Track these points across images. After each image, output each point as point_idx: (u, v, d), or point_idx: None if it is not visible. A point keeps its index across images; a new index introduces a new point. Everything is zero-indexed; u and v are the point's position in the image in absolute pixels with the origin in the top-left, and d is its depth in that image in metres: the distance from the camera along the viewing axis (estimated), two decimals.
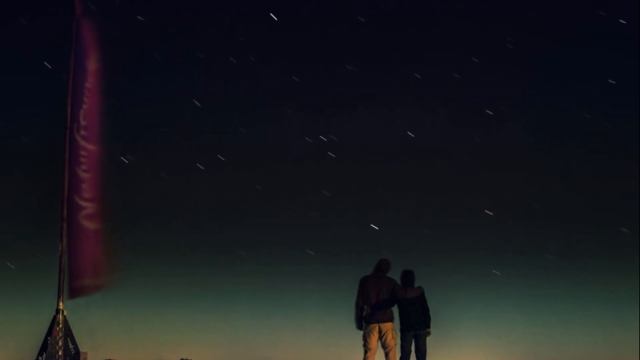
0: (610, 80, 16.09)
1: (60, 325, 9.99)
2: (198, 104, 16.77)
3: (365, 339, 11.04)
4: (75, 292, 10.19)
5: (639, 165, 15.58)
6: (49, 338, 9.94)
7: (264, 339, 16.14)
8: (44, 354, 9.93)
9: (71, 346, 10.12)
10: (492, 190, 16.72)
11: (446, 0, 16.88)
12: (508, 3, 16.47)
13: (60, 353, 9.96)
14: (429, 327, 11.04)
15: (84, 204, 10.27)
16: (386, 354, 11.06)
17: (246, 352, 15.87)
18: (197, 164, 16.88)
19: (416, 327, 10.99)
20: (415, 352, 11.07)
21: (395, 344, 11.03)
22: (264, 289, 16.68)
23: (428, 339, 11.05)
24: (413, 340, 11.04)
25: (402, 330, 11.06)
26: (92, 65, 10.68)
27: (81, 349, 10.34)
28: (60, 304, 10.06)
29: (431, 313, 11.07)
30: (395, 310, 11.11)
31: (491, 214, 16.51)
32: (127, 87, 15.68)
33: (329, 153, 16.85)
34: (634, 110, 15.80)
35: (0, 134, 16.59)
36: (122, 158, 15.59)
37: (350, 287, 11.27)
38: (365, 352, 11.06)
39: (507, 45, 16.35)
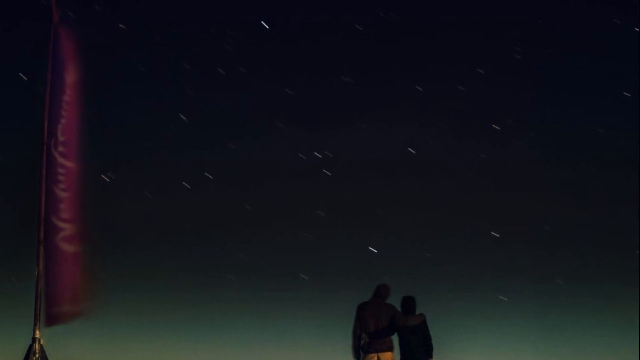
0: (625, 93, 16.25)
1: (37, 355, 9.98)
2: (184, 117, 16.90)
3: None
4: (52, 320, 10.18)
5: None
6: None
7: None
8: None
9: None
10: (498, 210, 16.83)
11: (449, 7, 16.99)
12: (515, 10, 16.62)
13: None
14: (431, 356, 11.09)
15: (62, 225, 10.27)
16: None
17: None
18: (183, 182, 16.98)
19: (417, 357, 11.04)
20: None
21: None
22: (255, 316, 16.74)
23: None
24: None
25: None
26: (70, 76, 10.67)
27: None
28: (37, 332, 10.04)
29: (433, 342, 11.11)
30: (395, 338, 11.17)
31: (497, 235, 16.63)
32: (108, 100, 15.71)
33: (324, 170, 16.97)
34: None
35: None
36: (103, 176, 15.70)
37: (347, 314, 11.34)
38: None
39: (515, 55, 16.51)
